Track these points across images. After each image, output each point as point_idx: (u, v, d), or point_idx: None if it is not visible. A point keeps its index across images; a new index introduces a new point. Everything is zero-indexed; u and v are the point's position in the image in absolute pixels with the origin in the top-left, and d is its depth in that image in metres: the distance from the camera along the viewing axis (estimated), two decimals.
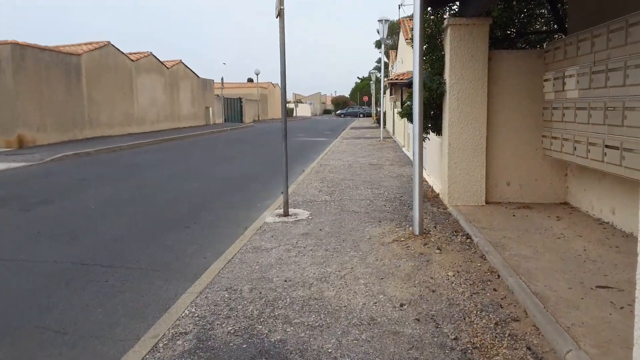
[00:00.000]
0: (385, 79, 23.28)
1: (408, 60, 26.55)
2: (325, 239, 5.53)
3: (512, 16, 7.36)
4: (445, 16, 7.20)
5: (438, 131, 7.35)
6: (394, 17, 23.69)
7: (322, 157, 14.35)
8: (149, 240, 5.88)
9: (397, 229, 5.88)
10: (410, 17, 33.75)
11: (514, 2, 7.32)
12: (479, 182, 6.78)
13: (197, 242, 5.85)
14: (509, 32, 7.54)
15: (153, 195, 8.74)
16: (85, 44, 22.13)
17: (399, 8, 45.82)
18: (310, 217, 6.59)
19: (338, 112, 72.49)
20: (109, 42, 22.70)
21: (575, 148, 5.50)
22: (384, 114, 23.86)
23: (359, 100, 79.45)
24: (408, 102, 7.43)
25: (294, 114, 69.10)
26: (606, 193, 5.67)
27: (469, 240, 5.34)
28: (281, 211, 6.84)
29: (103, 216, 7.17)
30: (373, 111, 52.64)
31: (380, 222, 6.28)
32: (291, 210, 6.95)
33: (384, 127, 22.07)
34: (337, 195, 8.13)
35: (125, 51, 24.50)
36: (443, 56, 6.90)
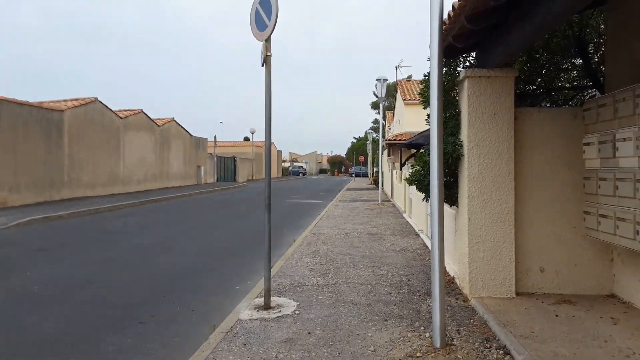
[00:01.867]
0: (384, 140, 22.44)
1: (406, 121, 25.98)
2: (315, 351, 4.13)
3: (538, 69, 6.36)
4: (459, 68, 6.18)
5: (452, 202, 6.13)
6: (391, 79, 23.29)
7: (316, 223, 13.06)
8: (86, 343, 4.46)
9: (409, 335, 4.50)
10: (408, 79, 33.78)
11: (539, 54, 6.34)
12: (508, 268, 5.47)
13: (147, 347, 4.45)
14: (532, 87, 6.52)
15: (115, 273, 7.35)
16: (71, 99, 21.33)
17: (396, 69, 46.11)
18: (297, 312, 5.21)
19: (352, 171, 74.01)
20: (96, 99, 21.94)
21: (638, 232, 4.25)
22: (382, 174, 22.83)
23: (355, 160, 79.37)
24: (417, 167, 6.26)
25: (289, 173, 68.52)
26: None
27: (508, 357, 3.96)
28: (262, 301, 5.47)
29: (42, 304, 5.77)
30: (369, 171, 52.07)
31: (386, 321, 4.91)
32: (274, 300, 5.58)
33: (382, 189, 20.95)
34: (332, 277, 6.77)
35: (115, 108, 23.75)
36: (458, 114, 5.80)
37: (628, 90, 4.43)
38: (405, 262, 7.88)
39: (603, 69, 6.41)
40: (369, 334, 4.52)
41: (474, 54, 6.19)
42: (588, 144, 5.18)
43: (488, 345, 4.20)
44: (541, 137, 5.62)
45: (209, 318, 5.29)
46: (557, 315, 4.81)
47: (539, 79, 6.83)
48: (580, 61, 6.88)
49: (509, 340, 4.17)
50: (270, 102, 5.41)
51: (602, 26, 6.57)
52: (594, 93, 6.79)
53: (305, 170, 76.25)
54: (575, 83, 7.01)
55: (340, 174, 79.24)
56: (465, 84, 5.52)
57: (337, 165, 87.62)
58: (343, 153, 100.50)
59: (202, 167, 35.75)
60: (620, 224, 4.53)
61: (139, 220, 14.11)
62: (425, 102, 6.45)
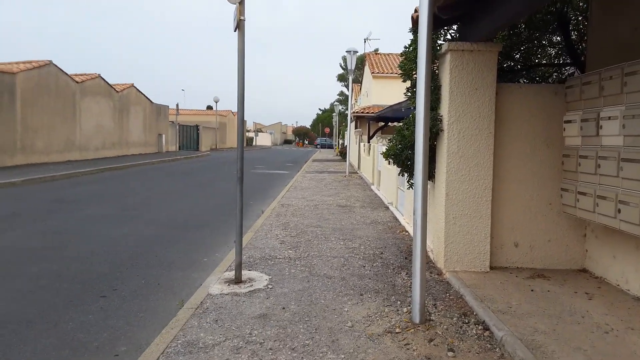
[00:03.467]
0: (352, 112, 22.21)
1: (374, 94, 25.80)
2: (291, 327, 3.96)
3: (518, 45, 6.21)
4: (439, 41, 5.96)
5: (429, 176, 6.01)
6: (360, 51, 22.86)
7: (284, 194, 12.82)
8: (43, 321, 4.13)
9: (386, 310, 4.39)
10: (376, 52, 33.40)
11: (522, 29, 6.18)
12: (483, 243, 5.43)
13: (110, 324, 4.17)
14: (511, 63, 6.39)
15: (72, 245, 6.92)
16: (24, 62, 19.97)
17: (365, 42, 45.70)
18: (269, 286, 5.01)
19: (317, 142, 73.09)
20: (50, 62, 20.64)
21: (619, 210, 4.23)
22: (349, 146, 22.70)
23: (321, 132, 78.99)
24: (394, 141, 6.08)
25: (254, 143, 67.58)
26: None
27: (487, 332, 3.91)
28: (232, 274, 5.24)
29: None
30: (335, 143, 51.94)
31: (361, 295, 4.78)
32: (245, 274, 5.36)
33: (349, 161, 20.85)
34: (304, 250, 6.59)
35: (72, 73, 22.43)
36: (438, 88, 5.62)
37: (616, 68, 4.33)
38: (377, 234, 7.79)
39: (583, 46, 6.35)
40: (345, 309, 4.38)
41: (455, 27, 5.99)
42: (569, 121, 5.12)
43: (466, 321, 4.14)
44: (521, 114, 5.53)
45: (176, 292, 5.04)
46: (532, 290, 4.81)
47: (518, 55, 6.71)
48: (558, 38, 6.80)
49: (488, 315, 4.12)
50: (243, 69, 5.04)
51: (581, 4, 6.48)
52: (572, 71, 6.74)
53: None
54: (553, 60, 6.93)
55: (304, 145, 78.69)
56: (448, 57, 5.32)
57: (302, 136, 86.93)
58: (308, 124, 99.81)
59: (164, 136, 34.65)
60: (601, 202, 4.51)
61: (97, 189, 13.48)
62: (406, 76, 6.23)
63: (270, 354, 3.50)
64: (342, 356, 3.47)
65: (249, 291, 4.85)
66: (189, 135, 42.42)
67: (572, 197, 5.06)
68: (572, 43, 6.15)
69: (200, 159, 31.21)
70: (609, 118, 4.39)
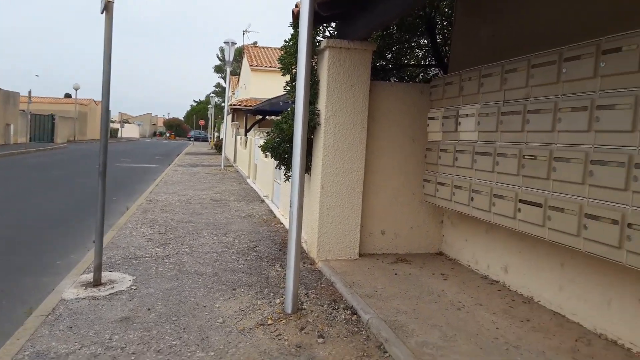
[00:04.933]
0: (229, 105, 21.74)
1: (252, 87, 25.61)
2: (157, 329, 3.71)
3: (390, 45, 6.57)
4: (319, 37, 6.07)
5: (305, 169, 6.09)
6: (238, 43, 22.44)
7: (153, 189, 12.08)
8: None
9: (259, 303, 4.34)
10: (255, 45, 33.10)
11: (395, 31, 6.53)
12: (354, 232, 5.65)
13: None
14: (383, 62, 6.74)
15: None
16: None
17: (244, 34, 44.92)
18: (133, 287, 4.65)
19: (190, 134, 68.96)
20: None
21: (472, 199, 4.68)
22: (225, 139, 22.22)
23: (195, 124, 76.29)
24: (272, 134, 6.05)
25: (119, 135, 62.80)
26: (497, 247, 4.98)
27: (355, 317, 4.06)
28: (90, 277, 4.76)
29: None
30: (210, 136, 50.54)
31: (234, 290, 4.67)
32: (106, 276, 4.91)
33: (224, 154, 20.40)
34: (173, 247, 6.26)
35: None
36: (316, 83, 5.72)
37: (474, 70, 4.77)
38: (252, 228, 7.71)
39: (447, 49, 6.91)
40: (217, 305, 4.24)
41: (334, 25, 6.13)
42: (432, 118, 5.54)
43: (336, 307, 4.27)
44: (391, 110, 5.85)
45: (25, 300, 4.44)
46: (396, 274, 5.13)
47: (389, 55, 7.10)
48: (426, 41, 7.34)
49: (356, 300, 4.29)
50: (110, 56, 4.53)
51: (447, 10, 7.05)
52: (437, 72, 7.31)
53: None
54: (421, 61, 7.46)
55: (176, 138, 75.10)
56: (326, 53, 5.43)
57: (174, 128, 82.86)
58: (181, 116, 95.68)
59: (12, 125, 30.59)
60: (457, 191, 4.95)
61: None
62: (285, 70, 6.24)
63: (132, 358, 3.23)
64: (212, 353, 3.34)
65: (110, 294, 4.44)
66: (43, 125, 37.96)
67: (433, 187, 5.49)
68: (437, 46, 6.67)
69: (56, 151, 28.14)
70: (467, 115, 4.83)
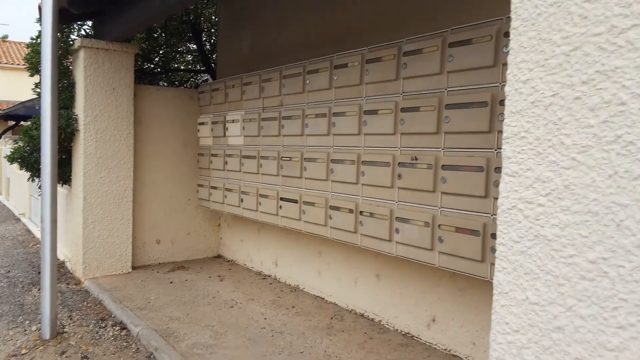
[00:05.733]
0: None
1: (2, 88, 21.88)
2: None
3: (157, 49, 6.41)
4: (73, 36, 5.58)
5: (65, 181, 5.53)
6: None
7: None
8: None
9: (11, 333, 3.78)
10: (4, 39, 28.31)
11: (158, 34, 6.39)
12: (125, 244, 5.35)
13: None
14: (151, 66, 6.54)
15: None
16: None
17: None
18: None
19: None
20: None
21: (242, 200, 4.90)
22: None
23: None
24: (22, 143, 5.31)
25: None
26: (268, 244, 5.33)
27: (125, 331, 3.87)
28: None
29: None
30: None
31: None
32: None
33: None
34: None
35: None
36: (73, 85, 5.24)
37: (237, 78, 5.01)
38: (4, 252, 6.62)
39: (215, 56, 7.07)
40: None
41: (90, 23, 5.71)
42: (202, 123, 5.62)
43: (103, 325, 4.00)
44: (161, 115, 5.73)
45: None
46: (172, 282, 5.05)
47: (157, 58, 6.94)
48: (195, 46, 7.39)
49: (126, 314, 4.08)
50: None
51: (213, 17, 7.22)
52: (207, 77, 7.42)
53: None
54: (190, 66, 7.47)
55: None
56: (81, 54, 5.03)
57: None
58: None
59: None
60: (228, 194, 5.13)
61: None
62: (33, 69, 5.56)
63: None
64: None
65: None
66: None
67: (207, 192, 5.57)
68: (205, 52, 6.76)
69: None
70: (233, 121, 5.04)
